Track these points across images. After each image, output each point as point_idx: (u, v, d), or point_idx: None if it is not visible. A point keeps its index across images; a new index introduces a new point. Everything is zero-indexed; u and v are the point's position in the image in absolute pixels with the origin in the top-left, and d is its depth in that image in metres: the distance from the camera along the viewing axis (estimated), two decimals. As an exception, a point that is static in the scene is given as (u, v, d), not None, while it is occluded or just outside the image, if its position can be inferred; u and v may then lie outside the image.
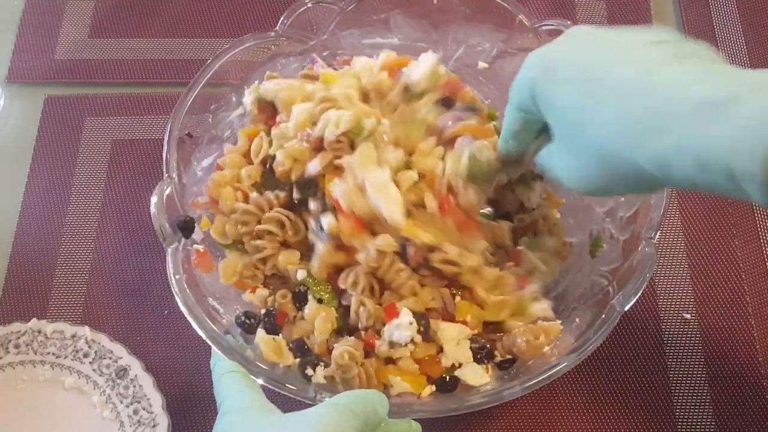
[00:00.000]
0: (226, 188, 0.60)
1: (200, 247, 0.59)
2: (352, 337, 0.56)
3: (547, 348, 0.55)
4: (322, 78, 0.62)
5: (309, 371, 0.55)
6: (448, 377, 0.55)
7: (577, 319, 0.56)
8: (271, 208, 0.58)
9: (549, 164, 0.49)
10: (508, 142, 0.52)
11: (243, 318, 0.57)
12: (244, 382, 0.48)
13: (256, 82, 0.64)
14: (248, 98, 0.63)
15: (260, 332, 0.56)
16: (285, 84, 0.62)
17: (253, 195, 0.59)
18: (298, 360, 0.55)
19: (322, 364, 0.55)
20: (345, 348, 0.54)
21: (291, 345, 0.56)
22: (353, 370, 0.54)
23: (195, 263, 0.58)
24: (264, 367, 0.53)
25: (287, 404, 0.47)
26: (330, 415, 0.42)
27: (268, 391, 0.49)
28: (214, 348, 0.51)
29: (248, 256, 0.59)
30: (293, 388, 0.52)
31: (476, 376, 0.55)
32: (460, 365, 0.55)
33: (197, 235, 0.59)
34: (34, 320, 0.63)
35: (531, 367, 0.55)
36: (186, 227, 0.58)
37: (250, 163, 0.61)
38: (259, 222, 0.58)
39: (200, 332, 0.53)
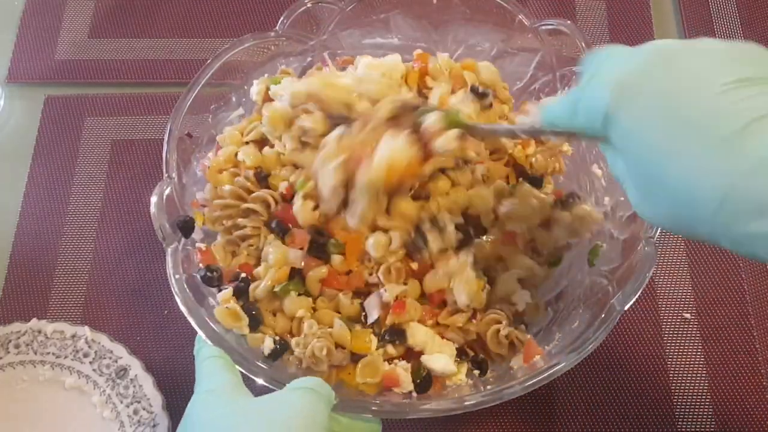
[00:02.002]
0: (223, 174, 0.60)
1: (203, 245, 0.59)
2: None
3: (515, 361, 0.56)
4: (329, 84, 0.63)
5: (267, 345, 0.55)
6: (419, 379, 0.56)
7: (577, 320, 0.56)
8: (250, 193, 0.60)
9: (618, 177, 0.43)
10: (553, 124, 0.46)
11: (205, 272, 0.57)
12: (225, 367, 0.49)
13: (266, 75, 0.65)
14: (256, 88, 0.63)
15: (223, 293, 0.57)
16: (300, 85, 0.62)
17: (239, 179, 0.60)
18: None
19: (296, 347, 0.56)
20: (325, 343, 0.55)
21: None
22: (324, 365, 0.55)
23: (199, 260, 0.58)
24: (264, 366, 0.53)
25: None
26: (303, 397, 0.46)
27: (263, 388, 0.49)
28: (200, 333, 0.52)
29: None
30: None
31: (442, 362, 0.55)
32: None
33: (197, 234, 0.59)
34: (34, 320, 0.63)
35: (514, 373, 0.55)
36: (186, 227, 0.58)
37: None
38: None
39: (200, 332, 0.53)
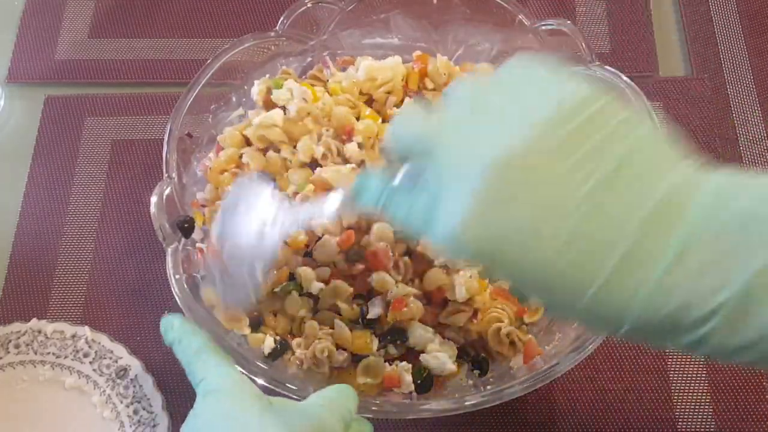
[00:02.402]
0: (224, 175, 0.60)
1: (203, 245, 0.59)
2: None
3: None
4: (331, 90, 0.63)
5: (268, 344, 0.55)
6: (420, 379, 0.55)
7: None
8: None
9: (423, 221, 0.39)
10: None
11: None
12: (223, 361, 0.47)
13: (267, 75, 0.65)
14: (256, 88, 0.63)
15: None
16: (297, 91, 0.62)
17: None
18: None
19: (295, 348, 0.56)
20: (327, 345, 0.55)
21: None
22: (325, 367, 0.55)
23: (200, 260, 0.58)
24: (264, 366, 0.53)
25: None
26: (318, 412, 0.44)
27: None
28: (175, 317, 0.50)
29: None
30: (293, 387, 0.52)
31: (441, 361, 0.55)
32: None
33: (197, 234, 0.59)
34: (34, 320, 0.63)
35: (515, 373, 0.55)
36: (186, 227, 0.58)
37: (249, 144, 0.63)
38: None
39: (186, 314, 0.53)
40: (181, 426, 0.44)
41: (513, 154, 0.35)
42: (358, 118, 0.63)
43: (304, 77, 0.67)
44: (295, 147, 0.61)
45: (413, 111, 0.42)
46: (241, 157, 0.62)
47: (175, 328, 0.49)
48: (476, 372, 0.57)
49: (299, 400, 0.47)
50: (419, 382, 0.55)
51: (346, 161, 0.60)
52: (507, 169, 0.34)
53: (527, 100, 0.37)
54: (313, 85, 0.64)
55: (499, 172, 0.34)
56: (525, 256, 0.35)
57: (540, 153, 0.35)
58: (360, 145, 0.60)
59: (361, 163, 0.60)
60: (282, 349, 0.56)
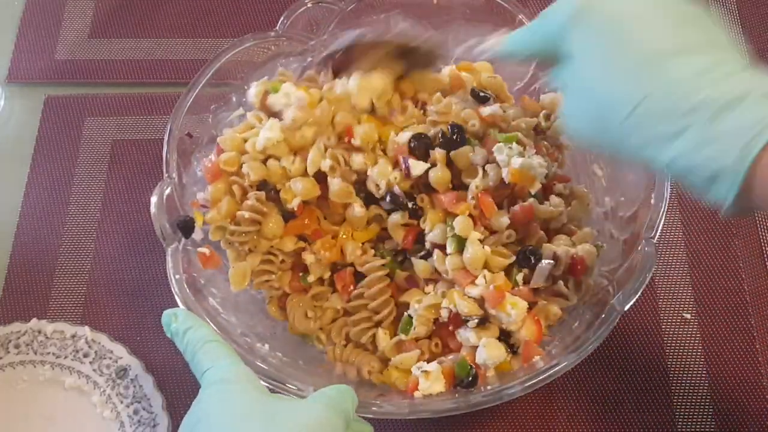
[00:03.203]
0: (220, 187, 0.60)
1: (206, 251, 0.58)
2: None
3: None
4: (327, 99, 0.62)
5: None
6: (470, 377, 0.55)
7: (577, 320, 0.56)
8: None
9: (559, 88, 0.50)
10: (514, 49, 0.52)
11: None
12: (229, 353, 0.48)
13: (266, 77, 0.65)
14: (254, 90, 0.63)
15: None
16: (294, 97, 0.61)
17: (250, 202, 0.59)
18: None
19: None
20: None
21: None
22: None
23: (202, 264, 0.58)
24: (264, 366, 0.53)
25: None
26: (321, 410, 0.44)
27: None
28: (178, 310, 0.51)
29: (254, 255, 0.60)
30: (293, 387, 0.52)
31: (496, 352, 0.55)
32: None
33: (197, 234, 0.59)
34: (34, 320, 0.63)
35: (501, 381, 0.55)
36: (186, 227, 0.58)
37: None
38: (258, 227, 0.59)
39: (184, 310, 0.53)
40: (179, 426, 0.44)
41: None
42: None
43: (301, 77, 0.67)
44: (295, 155, 0.60)
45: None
46: (241, 166, 0.61)
47: (179, 320, 0.50)
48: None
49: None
50: (470, 379, 0.54)
51: (354, 172, 0.60)
52: None
53: None
54: (309, 88, 0.63)
55: None
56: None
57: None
58: (360, 149, 0.60)
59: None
60: None
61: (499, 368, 0.55)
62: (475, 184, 0.58)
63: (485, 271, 0.56)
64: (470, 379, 0.54)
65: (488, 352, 0.54)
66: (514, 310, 0.55)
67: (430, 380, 0.54)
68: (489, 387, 0.53)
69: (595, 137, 0.46)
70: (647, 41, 0.42)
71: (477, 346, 0.55)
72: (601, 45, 0.44)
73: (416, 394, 0.54)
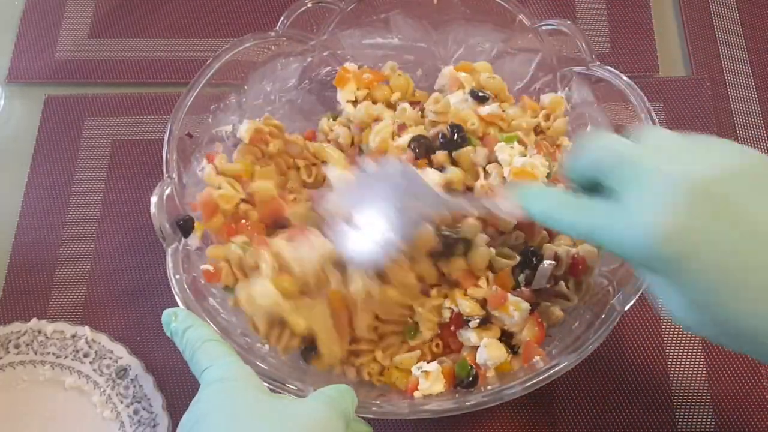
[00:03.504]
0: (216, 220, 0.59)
1: (210, 267, 0.57)
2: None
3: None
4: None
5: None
6: (470, 377, 0.55)
7: (577, 320, 0.56)
8: None
9: (653, 289, 0.42)
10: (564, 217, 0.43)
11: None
12: (228, 352, 0.47)
13: (258, 119, 0.64)
14: (245, 127, 0.62)
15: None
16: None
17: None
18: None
19: None
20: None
21: None
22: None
23: (208, 280, 0.57)
24: (264, 366, 0.53)
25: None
26: (322, 410, 0.44)
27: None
28: (178, 309, 0.51)
29: None
30: (293, 387, 0.52)
31: (497, 352, 0.55)
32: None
33: (193, 242, 0.59)
34: (34, 320, 0.63)
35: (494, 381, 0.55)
36: (186, 227, 0.58)
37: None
38: None
39: (183, 308, 0.53)
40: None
41: (715, 178, 0.38)
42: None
43: None
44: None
45: (607, 136, 0.43)
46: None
47: (179, 319, 0.50)
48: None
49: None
50: (470, 379, 0.54)
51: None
52: (711, 187, 0.38)
53: (716, 152, 0.40)
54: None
55: (704, 189, 0.38)
56: (721, 262, 0.37)
57: (739, 183, 0.38)
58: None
59: None
60: None
61: (499, 369, 0.56)
62: (480, 183, 0.58)
63: (489, 273, 0.57)
64: (470, 379, 0.54)
65: (489, 352, 0.55)
66: (516, 312, 0.55)
67: (430, 380, 0.55)
68: (489, 387, 0.53)
69: (712, 335, 0.41)
70: None
71: (478, 347, 0.55)
72: (730, 275, 0.37)
73: (416, 394, 0.54)
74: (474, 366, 0.55)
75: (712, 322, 0.39)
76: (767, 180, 0.39)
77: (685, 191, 0.38)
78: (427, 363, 0.56)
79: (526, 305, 0.55)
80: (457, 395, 0.54)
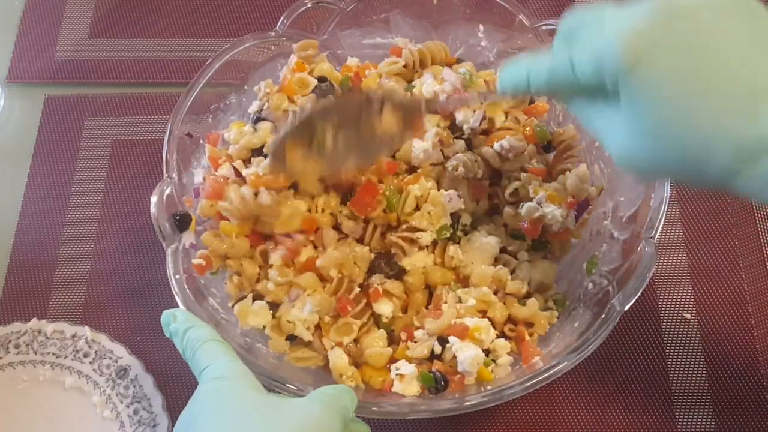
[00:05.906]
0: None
1: (201, 262, 0.58)
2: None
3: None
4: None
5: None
6: (442, 381, 0.55)
7: (577, 320, 0.56)
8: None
9: (596, 128, 0.44)
10: (532, 84, 0.47)
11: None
12: (228, 351, 0.48)
13: (267, 78, 0.65)
14: (233, 134, 0.63)
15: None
16: None
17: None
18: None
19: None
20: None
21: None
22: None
23: (199, 273, 0.58)
24: (264, 366, 0.53)
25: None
26: (318, 408, 0.44)
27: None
28: (178, 310, 0.51)
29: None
30: (293, 387, 0.52)
31: (473, 353, 0.55)
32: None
33: (188, 238, 0.58)
34: (34, 320, 0.63)
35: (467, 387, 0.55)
36: (182, 222, 0.58)
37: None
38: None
39: (184, 309, 0.53)
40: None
41: (689, 4, 0.40)
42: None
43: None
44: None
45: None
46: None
47: (179, 320, 0.50)
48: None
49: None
50: (436, 387, 0.54)
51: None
52: (682, 11, 0.39)
53: None
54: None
55: (674, 9, 0.39)
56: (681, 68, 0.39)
57: (712, 12, 0.39)
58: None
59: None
60: None
61: (480, 377, 0.55)
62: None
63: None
64: (439, 385, 0.54)
65: (461, 355, 0.54)
66: (483, 335, 0.56)
67: (403, 383, 0.55)
68: (489, 387, 0.53)
69: (681, 173, 0.42)
70: (743, 72, 0.38)
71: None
72: (683, 81, 0.39)
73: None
74: (440, 372, 0.55)
75: (651, 147, 0.41)
76: (740, 11, 0.40)
77: (654, 9, 0.40)
78: (408, 363, 0.56)
79: (486, 324, 0.56)
80: (457, 395, 0.54)
